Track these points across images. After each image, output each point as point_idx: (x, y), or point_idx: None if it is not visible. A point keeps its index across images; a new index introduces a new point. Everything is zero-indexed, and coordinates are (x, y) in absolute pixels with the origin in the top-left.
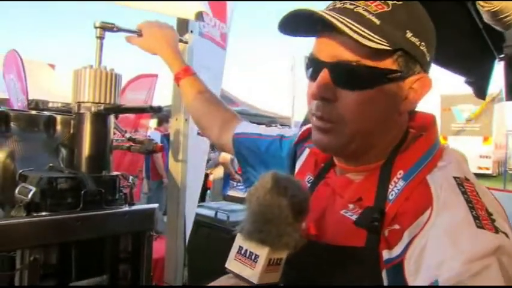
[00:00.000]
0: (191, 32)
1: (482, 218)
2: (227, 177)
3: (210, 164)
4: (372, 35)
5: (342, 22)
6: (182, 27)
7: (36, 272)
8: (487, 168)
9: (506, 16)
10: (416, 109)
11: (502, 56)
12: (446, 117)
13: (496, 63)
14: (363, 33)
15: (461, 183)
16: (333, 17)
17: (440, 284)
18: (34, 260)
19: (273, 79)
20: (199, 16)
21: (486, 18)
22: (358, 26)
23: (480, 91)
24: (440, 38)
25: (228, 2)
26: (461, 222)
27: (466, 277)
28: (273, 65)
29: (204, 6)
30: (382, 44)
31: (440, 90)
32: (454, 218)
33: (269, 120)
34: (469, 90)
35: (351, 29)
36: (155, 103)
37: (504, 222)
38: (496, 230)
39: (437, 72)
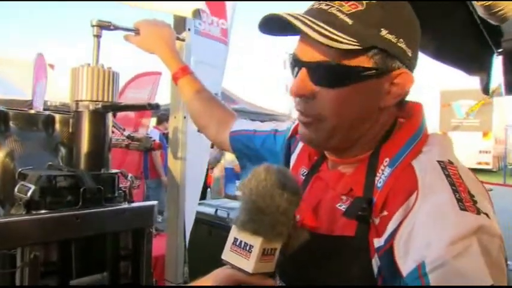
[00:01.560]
0: (188, 30)
1: (465, 200)
2: (230, 176)
3: (210, 161)
4: (341, 35)
5: (309, 26)
6: (179, 25)
7: (37, 270)
8: (487, 163)
9: (500, 10)
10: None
11: (500, 50)
12: (446, 113)
13: (494, 58)
14: (331, 35)
15: (445, 166)
16: (302, 21)
17: (426, 265)
18: (34, 257)
19: (270, 76)
20: (197, 14)
21: (481, 12)
22: (328, 27)
23: (484, 86)
24: (440, 34)
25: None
26: (445, 205)
27: (450, 258)
28: (271, 62)
29: (201, 4)
30: (351, 44)
31: (440, 85)
32: (439, 201)
33: (269, 118)
34: (469, 85)
35: (318, 32)
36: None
37: (486, 203)
38: (478, 211)
39: (436, 68)
